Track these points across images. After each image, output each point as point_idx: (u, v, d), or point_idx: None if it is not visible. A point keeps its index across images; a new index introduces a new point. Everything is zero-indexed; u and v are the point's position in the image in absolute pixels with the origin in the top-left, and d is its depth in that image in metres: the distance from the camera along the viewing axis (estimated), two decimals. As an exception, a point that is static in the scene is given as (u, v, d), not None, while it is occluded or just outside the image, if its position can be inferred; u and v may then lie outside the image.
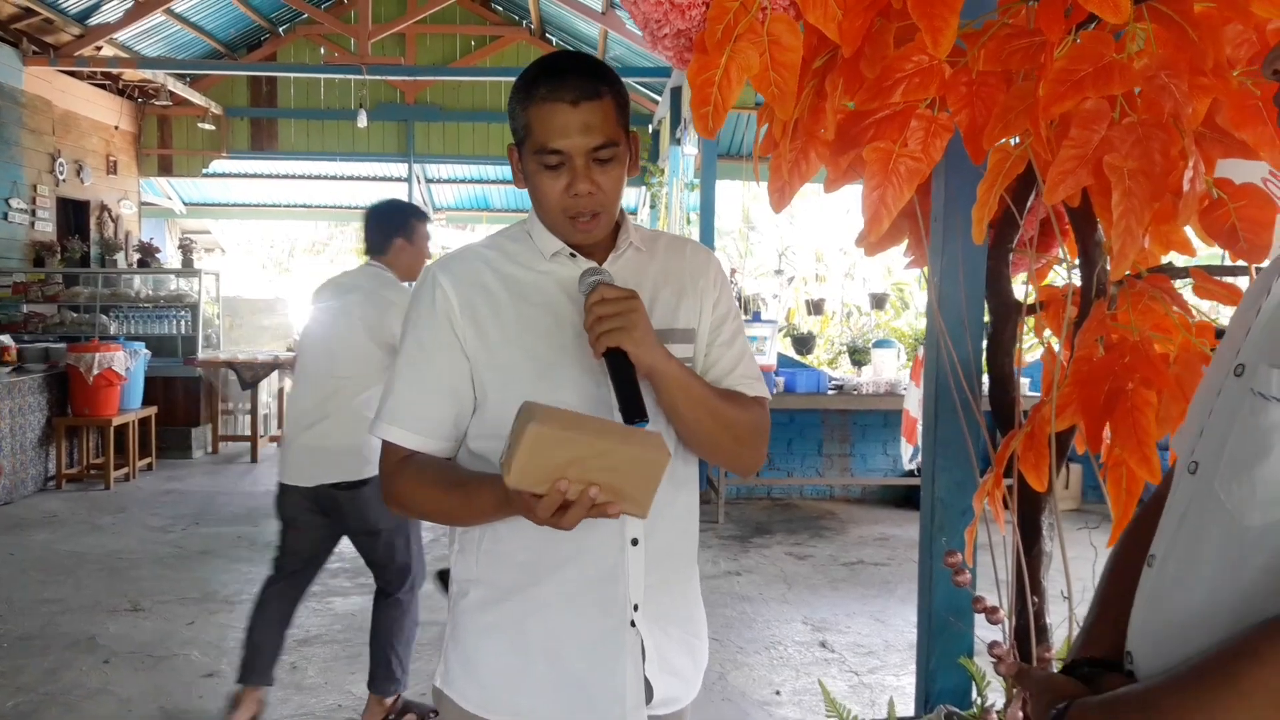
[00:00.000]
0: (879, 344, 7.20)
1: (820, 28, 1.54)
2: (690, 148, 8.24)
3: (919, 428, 3.76)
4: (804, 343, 7.88)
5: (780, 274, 9.71)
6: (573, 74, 1.39)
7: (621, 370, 1.36)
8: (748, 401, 1.56)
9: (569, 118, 1.37)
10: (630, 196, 13.14)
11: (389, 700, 3.51)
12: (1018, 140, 1.72)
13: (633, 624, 1.47)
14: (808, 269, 10.51)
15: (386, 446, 1.49)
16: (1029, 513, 2.07)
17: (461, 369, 1.47)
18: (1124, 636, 1.12)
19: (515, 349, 1.46)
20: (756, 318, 7.17)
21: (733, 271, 8.71)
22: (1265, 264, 1.25)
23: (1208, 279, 1.81)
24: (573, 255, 1.49)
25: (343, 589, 5.21)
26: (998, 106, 1.63)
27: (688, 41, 1.55)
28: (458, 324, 1.46)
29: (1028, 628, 1.86)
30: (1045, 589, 1.99)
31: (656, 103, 11.15)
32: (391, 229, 3.40)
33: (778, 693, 3.94)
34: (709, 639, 1.67)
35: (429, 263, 1.52)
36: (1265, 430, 0.91)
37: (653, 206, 11.93)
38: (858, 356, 7.76)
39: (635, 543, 1.47)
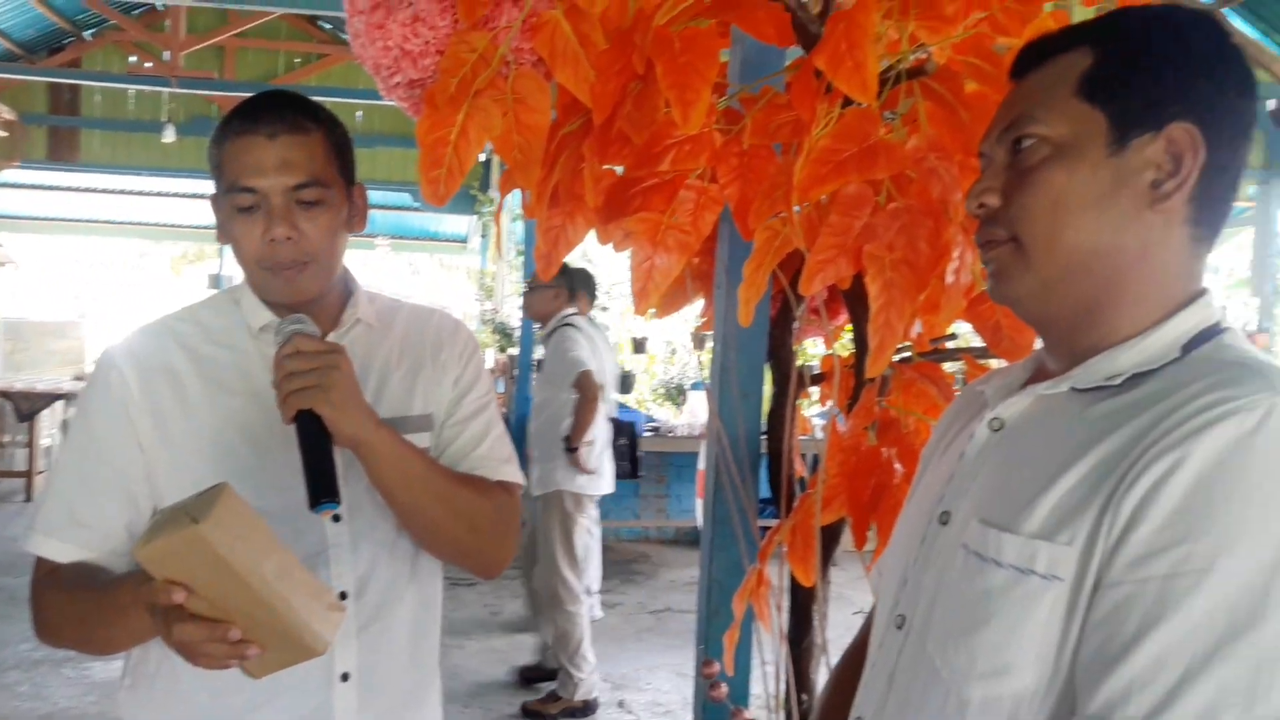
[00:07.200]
0: (695, 385, 7.17)
1: (571, 89, 1.40)
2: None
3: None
4: (623, 382, 7.80)
5: (604, 310, 9.58)
6: (275, 108, 1.21)
7: (313, 438, 1.13)
8: (490, 486, 1.35)
9: (264, 152, 1.18)
10: (461, 225, 12.83)
11: None
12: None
13: None
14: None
15: (37, 562, 1.22)
16: (802, 601, 1.98)
17: (136, 468, 1.22)
18: None
19: (205, 447, 1.22)
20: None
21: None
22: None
23: (977, 365, 1.76)
24: None
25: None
26: (765, 182, 1.52)
27: (423, 92, 1.39)
28: (135, 414, 1.22)
29: (793, 730, 1.75)
30: (815, 684, 1.89)
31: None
32: None
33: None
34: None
35: (109, 344, 1.28)
36: (984, 594, 0.79)
37: (484, 236, 11.68)
38: (676, 397, 7.74)
39: (345, 678, 1.24)
